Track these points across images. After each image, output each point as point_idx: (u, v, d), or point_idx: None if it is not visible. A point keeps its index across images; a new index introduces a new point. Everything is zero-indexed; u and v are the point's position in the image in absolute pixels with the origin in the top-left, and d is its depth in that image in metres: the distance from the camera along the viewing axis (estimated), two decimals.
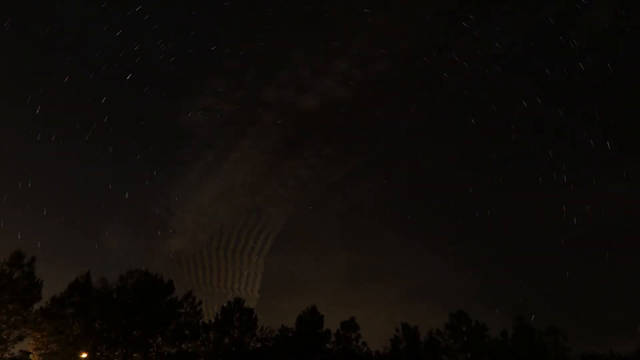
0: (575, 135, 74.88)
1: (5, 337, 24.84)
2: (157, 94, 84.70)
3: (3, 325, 24.78)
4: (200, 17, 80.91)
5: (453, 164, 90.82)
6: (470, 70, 71.53)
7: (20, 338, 25.57)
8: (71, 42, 76.48)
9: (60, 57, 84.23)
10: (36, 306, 26.61)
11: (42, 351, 26.93)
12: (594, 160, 70.09)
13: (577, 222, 59.59)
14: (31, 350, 26.82)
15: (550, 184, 72.04)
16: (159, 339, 30.79)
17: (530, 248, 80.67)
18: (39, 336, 26.74)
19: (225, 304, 33.98)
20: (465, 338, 33.52)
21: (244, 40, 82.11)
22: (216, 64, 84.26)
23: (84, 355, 27.71)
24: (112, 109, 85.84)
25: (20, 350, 26.31)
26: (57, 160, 79.80)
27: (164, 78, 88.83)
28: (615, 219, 74.79)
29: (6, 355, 25.27)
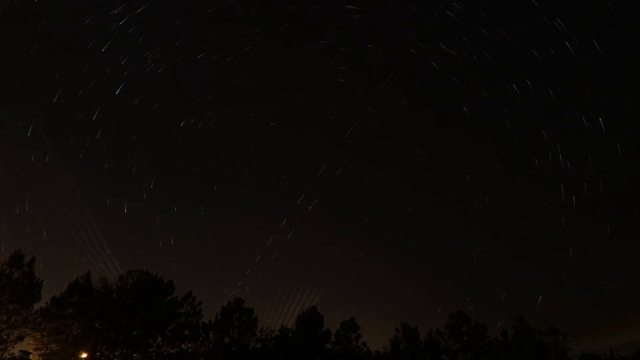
0: (567, 114, 75.42)
1: (5, 337, 24.79)
2: (148, 105, 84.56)
3: (3, 325, 24.72)
4: (184, 26, 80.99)
5: (449, 154, 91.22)
6: (459, 58, 71.80)
7: (20, 338, 25.50)
8: (57, 60, 76.37)
9: (48, 77, 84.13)
10: (36, 306, 26.61)
11: (42, 351, 26.87)
12: (588, 138, 70.69)
13: (576, 199, 59.80)
14: (31, 350, 26.75)
15: (547, 165, 72.44)
16: (159, 339, 30.72)
17: (532, 230, 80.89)
18: (39, 336, 26.64)
19: (225, 304, 34.09)
20: (465, 338, 33.55)
21: (231, 46, 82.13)
22: (206, 71, 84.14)
23: (84, 355, 27.67)
24: (104, 124, 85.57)
25: (20, 350, 26.31)
26: (53, 180, 79.44)
27: (154, 89, 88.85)
28: (613, 193, 75.35)
29: (6, 355, 25.25)
